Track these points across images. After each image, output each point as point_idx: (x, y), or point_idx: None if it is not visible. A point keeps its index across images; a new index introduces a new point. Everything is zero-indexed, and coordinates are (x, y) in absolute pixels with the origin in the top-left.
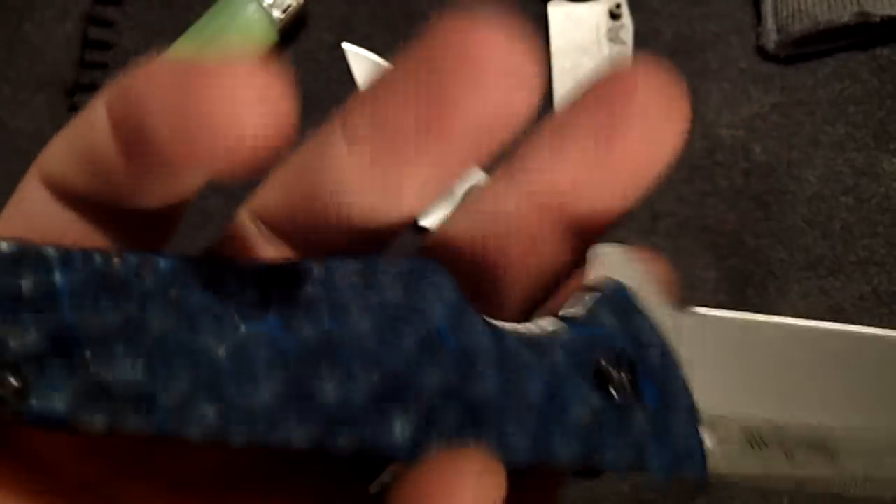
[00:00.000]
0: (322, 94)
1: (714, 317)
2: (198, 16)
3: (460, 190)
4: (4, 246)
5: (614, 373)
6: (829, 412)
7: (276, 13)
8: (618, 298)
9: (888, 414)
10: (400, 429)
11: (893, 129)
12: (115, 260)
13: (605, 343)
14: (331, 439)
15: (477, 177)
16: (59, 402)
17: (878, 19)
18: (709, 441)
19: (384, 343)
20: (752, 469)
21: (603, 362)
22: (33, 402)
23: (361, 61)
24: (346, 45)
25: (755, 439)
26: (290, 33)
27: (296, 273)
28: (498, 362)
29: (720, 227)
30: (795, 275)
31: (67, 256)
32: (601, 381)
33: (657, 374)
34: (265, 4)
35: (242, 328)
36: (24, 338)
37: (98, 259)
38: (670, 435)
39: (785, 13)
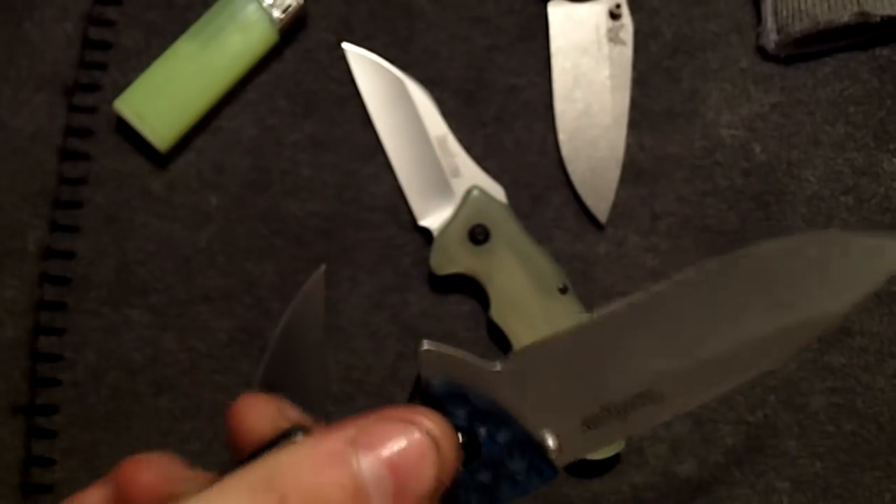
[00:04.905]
0: (322, 94)
1: (534, 347)
2: (198, 16)
3: (460, 190)
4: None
5: None
6: (652, 366)
7: (276, 13)
8: (439, 394)
9: (696, 346)
10: None
11: (893, 129)
12: None
13: None
14: None
15: (477, 177)
16: None
17: (878, 19)
18: (552, 445)
19: None
20: (593, 445)
21: None
22: None
23: (361, 61)
24: (346, 45)
25: (592, 421)
26: (290, 33)
27: None
28: None
29: (720, 227)
30: None
31: None
32: None
33: (491, 431)
34: (265, 4)
35: None
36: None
37: None
38: (515, 469)
39: (785, 13)
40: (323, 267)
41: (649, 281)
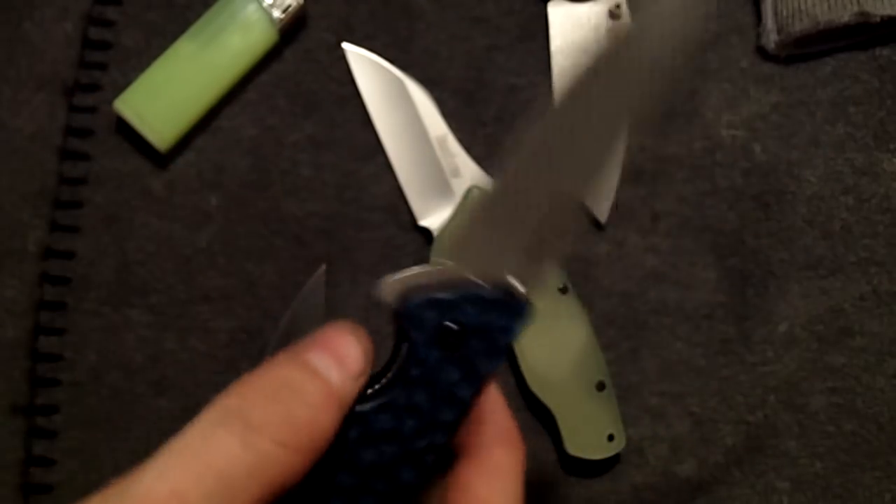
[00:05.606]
0: (322, 94)
1: (452, 233)
2: (198, 16)
3: (460, 190)
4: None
5: (448, 341)
6: (555, 174)
7: (276, 13)
8: (410, 309)
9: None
10: None
11: (893, 129)
12: None
13: (426, 336)
14: None
15: (477, 176)
16: None
17: (878, 19)
18: (517, 284)
19: None
20: (547, 267)
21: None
22: None
23: (361, 61)
24: (346, 45)
25: (534, 252)
26: (290, 33)
27: None
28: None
29: (720, 227)
30: (795, 275)
31: None
32: (446, 347)
33: (463, 309)
34: (265, 4)
35: None
36: None
37: None
38: (500, 322)
39: (785, 13)
40: (323, 267)
41: (649, 281)
